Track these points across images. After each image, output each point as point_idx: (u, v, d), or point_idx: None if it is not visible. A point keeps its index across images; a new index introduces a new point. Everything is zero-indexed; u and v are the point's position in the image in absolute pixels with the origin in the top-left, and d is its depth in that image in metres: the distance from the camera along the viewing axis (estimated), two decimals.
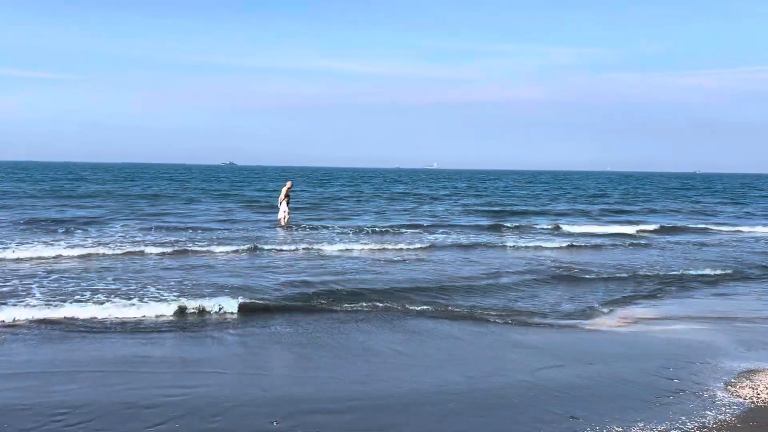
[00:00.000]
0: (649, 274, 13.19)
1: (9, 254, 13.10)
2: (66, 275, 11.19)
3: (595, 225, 24.72)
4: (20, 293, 9.59)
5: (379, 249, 15.94)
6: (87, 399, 5.66)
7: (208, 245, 15.50)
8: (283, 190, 21.48)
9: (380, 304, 9.63)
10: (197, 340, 7.76)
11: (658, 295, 11.21)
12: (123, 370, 6.47)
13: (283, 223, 21.11)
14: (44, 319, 8.29)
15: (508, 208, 33.21)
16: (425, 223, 23.34)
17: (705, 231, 23.61)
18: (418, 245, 16.80)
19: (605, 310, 9.96)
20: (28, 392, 5.82)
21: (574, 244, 18.16)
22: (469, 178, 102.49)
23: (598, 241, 19.39)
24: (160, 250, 14.43)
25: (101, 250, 14.13)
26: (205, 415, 5.35)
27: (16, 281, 10.52)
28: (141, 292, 9.94)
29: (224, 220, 23.37)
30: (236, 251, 14.85)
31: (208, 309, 9.05)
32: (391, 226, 21.83)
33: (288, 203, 21.60)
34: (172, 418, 5.27)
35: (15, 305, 8.76)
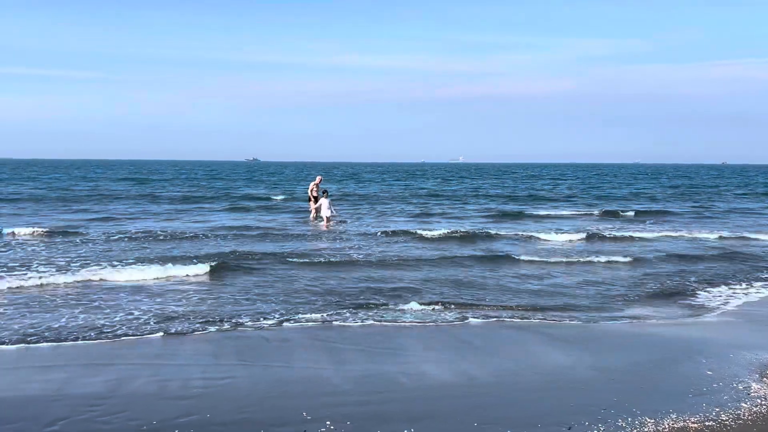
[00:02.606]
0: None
1: None
2: None
3: None
4: None
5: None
6: (119, 390, 5.74)
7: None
8: (312, 186, 20.22)
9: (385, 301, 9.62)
10: (229, 334, 7.82)
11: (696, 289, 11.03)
12: (153, 363, 6.55)
13: (325, 226, 18.87)
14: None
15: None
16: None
17: None
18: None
19: (637, 303, 9.82)
20: (60, 384, 5.90)
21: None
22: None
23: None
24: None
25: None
26: (235, 406, 5.38)
27: None
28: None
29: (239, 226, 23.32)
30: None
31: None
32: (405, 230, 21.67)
33: (327, 198, 19.41)
34: (203, 409, 5.31)
35: None
